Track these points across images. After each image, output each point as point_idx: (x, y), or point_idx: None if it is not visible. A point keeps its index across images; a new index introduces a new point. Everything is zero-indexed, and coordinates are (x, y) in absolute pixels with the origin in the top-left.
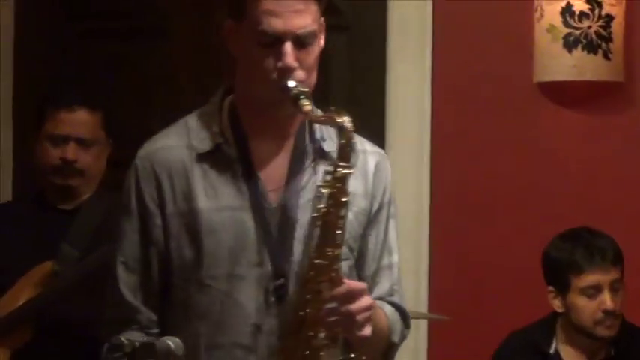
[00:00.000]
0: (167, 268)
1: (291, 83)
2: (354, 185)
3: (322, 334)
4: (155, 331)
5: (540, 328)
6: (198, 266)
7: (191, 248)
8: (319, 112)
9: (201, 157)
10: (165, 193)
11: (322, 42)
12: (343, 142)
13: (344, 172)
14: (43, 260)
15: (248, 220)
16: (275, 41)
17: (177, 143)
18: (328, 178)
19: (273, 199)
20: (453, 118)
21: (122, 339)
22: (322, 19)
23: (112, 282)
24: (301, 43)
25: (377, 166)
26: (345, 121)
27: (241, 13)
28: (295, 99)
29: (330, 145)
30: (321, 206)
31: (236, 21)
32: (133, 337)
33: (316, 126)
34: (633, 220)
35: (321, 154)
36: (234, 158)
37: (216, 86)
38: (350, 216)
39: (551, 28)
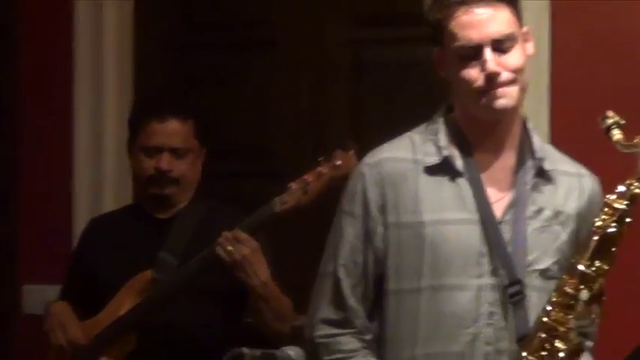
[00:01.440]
0: (383, 276)
1: (609, 114)
2: (571, 206)
3: (562, 346)
4: (368, 337)
5: None
6: (418, 276)
7: (412, 258)
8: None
9: (428, 170)
10: (389, 202)
11: (529, 49)
12: None
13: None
14: (143, 269)
15: (474, 232)
16: (475, 52)
17: (404, 156)
18: (623, 191)
19: (498, 211)
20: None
21: (243, 349)
22: (525, 28)
23: (331, 283)
24: (500, 48)
25: (592, 191)
26: None
27: (440, 36)
28: (608, 129)
29: (549, 165)
30: (607, 218)
31: (439, 46)
32: (347, 341)
33: (536, 144)
34: None
35: (541, 173)
36: (460, 171)
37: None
38: (564, 236)
39: None
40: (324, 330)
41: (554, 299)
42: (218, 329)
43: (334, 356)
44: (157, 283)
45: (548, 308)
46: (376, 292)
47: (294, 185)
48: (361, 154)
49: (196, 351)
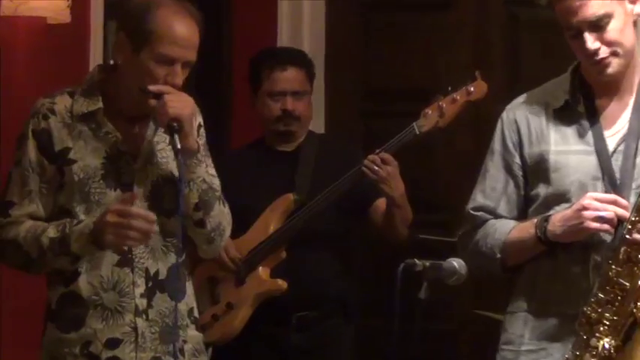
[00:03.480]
0: (524, 202)
1: None
2: None
3: None
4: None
5: None
6: (545, 204)
7: (542, 183)
8: None
9: (555, 112)
10: (524, 138)
11: (637, 9)
12: None
13: None
14: (279, 193)
15: (591, 161)
16: (577, 33)
17: (537, 100)
18: None
19: (611, 144)
20: None
21: (415, 260)
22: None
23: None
24: (597, 26)
25: None
26: None
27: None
28: None
29: None
30: None
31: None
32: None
33: None
34: None
35: None
36: (581, 112)
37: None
38: None
39: None
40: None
41: (634, 218)
42: (349, 234)
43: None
44: (298, 203)
45: (629, 227)
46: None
47: (429, 111)
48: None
49: (334, 254)
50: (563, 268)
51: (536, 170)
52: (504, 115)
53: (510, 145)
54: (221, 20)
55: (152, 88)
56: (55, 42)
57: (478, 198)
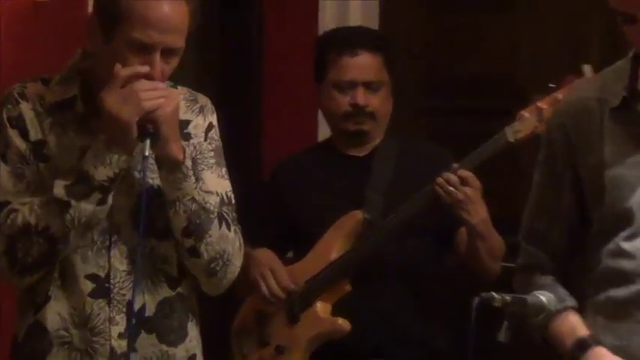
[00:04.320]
0: (584, 218)
1: None
2: None
3: None
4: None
5: None
6: (603, 231)
7: (596, 203)
8: None
9: (612, 112)
10: (574, 145)
11: None
12: None
13: None
14: (347, 209)
15: None
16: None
17: (590, 95)
18: None
19: None
20: None
21: (492, 294)
22: None
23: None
24: None
25: None
26: None
27: None
28: None
29: None
30: None
31: None
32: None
33: None
34: None
35: None
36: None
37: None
38: None
39: None
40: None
41: None
42: (428, 266)
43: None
44: (369, 223)
45: None
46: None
47: (526, 113)
48: None
49: (409, 288)
50: None
51: (590, 186)
52: (552, 115)
53: (558, 155)
54: (249, 19)
55: (122, 71)
56: (45, 23)
57: (527, 219)
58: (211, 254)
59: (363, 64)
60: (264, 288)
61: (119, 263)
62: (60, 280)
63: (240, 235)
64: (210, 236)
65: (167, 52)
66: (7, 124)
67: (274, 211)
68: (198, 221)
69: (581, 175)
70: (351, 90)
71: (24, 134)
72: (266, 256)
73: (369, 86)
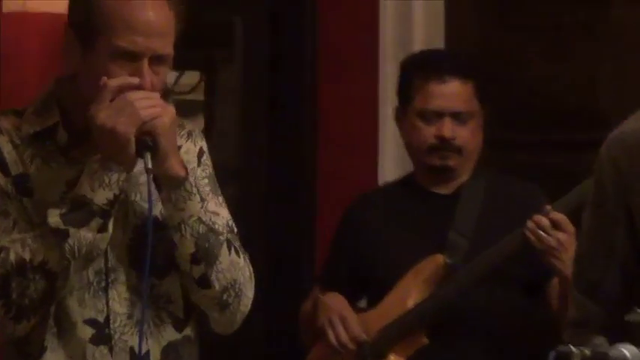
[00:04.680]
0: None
1: None
2: None
3: None
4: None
5: None
6: None
7: None
8: None
9: None
10: (630, 182)
11: None
12: None
13: None
14: (428, 252)
15: None
16: None
17: None
18: None
19: None
20: None
21: (570, 347)
22: None
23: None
24: None
25: None
26: None
27: None
28: None
29: None
30: None
31: None
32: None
33: None
34: None
35: None
36: None
37: None
38: None
39: None
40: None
41: None
42: (517, 319)
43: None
44: (451, 269)
45: None
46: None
47: None
48: None
49: (494, 344)
50: None
51: None
52: (602, 149)
53: (610, 193)
54: (302, 23)
55: (110, 83)
56: None
57: (578, 265)
58: (223, 283)
59: (451, 93)
60: (332, 337)
61: (118, 306)
62: (56, 327)
63: (249, 263)
64: (221, 262)
65: (155, 60)
66: None
67: (347, 252)
68: (207, 245)
69: (634, 213)
70: (438, 120)
71: (3, 168)
72: (336, 301)
73: (457, 117)
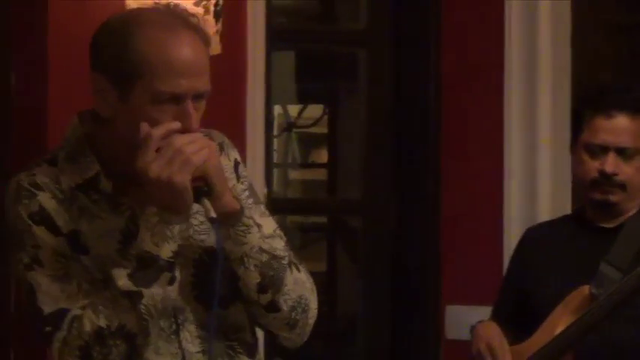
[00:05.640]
0: None
1: None
2: None
3: None
4: None
5: None
6: None
7: None
8: None
9: None
10: None
11: None
12: None
13: None
14: (581, 282)
15: None
16: None
17: None
18: None
19: None
20: None
21: None
22: None
23: None
24: None
25: None
26: None
27: None
28: None
29: None
30: None
31: None
32: None
33: None
34: None
35: None
36: None
37: None
38: None
39: None
40: None
41: None
42: None
43: None
44: (596, 298)
45: None
46: None
47: None
48: None
49: None
50: None
51: None
52: None
53: None
54: (425, 51)
55: (154, 132)
56: None
57: None
58: (290, 304)
59: (617, 128)
60: None
61: (191, 346)
62: None
63: (307, 272)
64: (286, 285)
65: (196, 98)
66: (31, 222)
67: (513, 285)
68: (272, 273)
69: None
70: (602, 155)
71: (53, 229)
72: (488, 330)
73: (622, 152)
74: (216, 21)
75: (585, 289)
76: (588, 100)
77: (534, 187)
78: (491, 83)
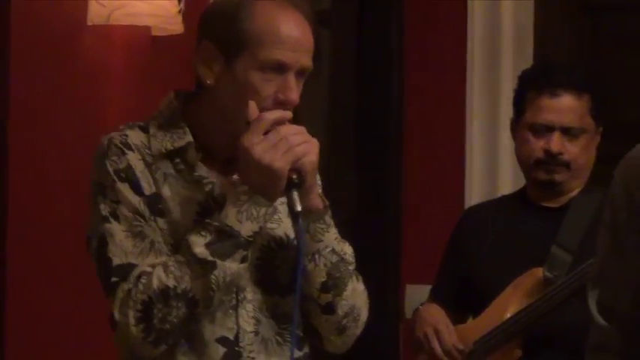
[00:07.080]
0: None
1: None
2: None
3: None
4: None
5: None
6: None
7: None
8: None
9: None
10: (638, 204)
11: None
12: None
13: None
14: (530, 265)
15: None
16: None
17: None
18: None
19: None
20: None
21: None
22: None
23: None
24: None
25: None
26: None
27: None
28: None
29: None
30: None
31: None
32: None
33: None
34: None
35: None
36: None
37: None
38: None
39: None
40: None
41: None
42: None
43: None
44: (549, 282)
45: None
46: None
47: None
48: None
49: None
50: None
51: None
52: (616, 171)
53: (621, 218)
54: (387, 21)
55: (268, 115)
56: (163, 59)
57: (594, 288)
58: (344, 309)
59: (562, 107)
60: (427, 347)
61: (246, 324)
62: (187, 345)
63: (364, 286)
64: (346, 291)
65: (299, 75)
66: (116, 178)
67: (454, 265)
68: (338, 274)
69: None
70: (547, 135)
71: (137, 188)
72: (431, 313)
73: (567, 132)
74: (179, 1)
75: (538, 271)
76: (532, 79)
77: (495, 166)
78: (454, 65)
